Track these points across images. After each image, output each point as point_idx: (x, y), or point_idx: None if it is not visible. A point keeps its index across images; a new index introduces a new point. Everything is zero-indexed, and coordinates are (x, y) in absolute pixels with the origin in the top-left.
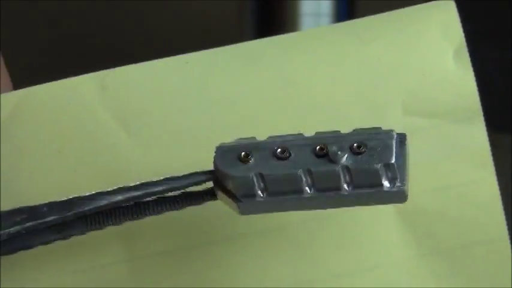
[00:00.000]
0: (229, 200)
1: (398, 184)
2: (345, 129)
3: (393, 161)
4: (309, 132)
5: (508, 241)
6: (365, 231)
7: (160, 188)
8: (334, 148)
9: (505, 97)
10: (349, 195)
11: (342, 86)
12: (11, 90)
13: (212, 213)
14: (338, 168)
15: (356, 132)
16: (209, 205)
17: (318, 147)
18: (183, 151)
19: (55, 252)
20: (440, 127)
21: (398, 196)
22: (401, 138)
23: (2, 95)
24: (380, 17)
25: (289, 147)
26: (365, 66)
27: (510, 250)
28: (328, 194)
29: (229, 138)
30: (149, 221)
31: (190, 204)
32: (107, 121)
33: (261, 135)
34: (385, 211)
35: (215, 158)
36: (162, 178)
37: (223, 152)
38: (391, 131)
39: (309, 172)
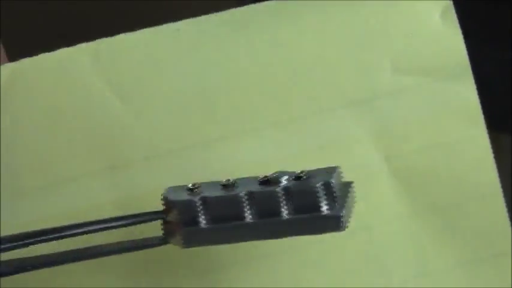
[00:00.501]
0: (175, 236)
1: (336, 209)
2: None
3: (332, 180)
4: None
5: (502, 196)
6: (359, 192)
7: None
8: (276, 175)
9: (505, 97)
10: (288, 220)
11: (330, 47)
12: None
13: None
14: (279, 188)
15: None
16: None
17: (262, 176)
18: (177, 117)
19: None
20: (430, 85)
21: (336, 222)
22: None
23: None
24: None
25: (236, 179)
26: (353, 27)
27: (504, 205)
28: (268, 220)
29: (221, 102)
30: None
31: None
32: (101, 89)
33: (252, 99)
34: (378, 171)
35: (165, 192)
36: (113, 217)
37: (173, 187)
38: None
39: (251, 195)
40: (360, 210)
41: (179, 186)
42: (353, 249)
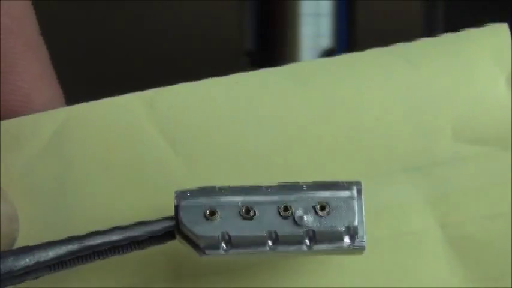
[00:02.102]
0: (190, 247)
1: (358, 240)
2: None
3: (356, 223)
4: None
5: None
6: (412, 258)
7: (121, 236)
8: (299, 212)
9: None
10: (309, 250)
11: (390, 110)
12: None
13: None
14: (303, 231)
15: (317, 185)
16: None
17: (282, 207)
18: (230, 172)
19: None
20: (491, 154)
21: (358, 250)
22: (359, 188)
23: (49, 111)
24: (431, 41)
25: (253, 206)
26: (414, 90)
27: None
28: (289, 249)
29: (276, 160)
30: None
31: (149, 246)
32: (155, 139)
33: (308, 158)
34: (432, 239)
35: (180, 214)
36: (121, 225)
37: (187, 208)
38: (351, 187)
39: (274, 233)
40: (413, 277)
41: (192, 203)
42: None
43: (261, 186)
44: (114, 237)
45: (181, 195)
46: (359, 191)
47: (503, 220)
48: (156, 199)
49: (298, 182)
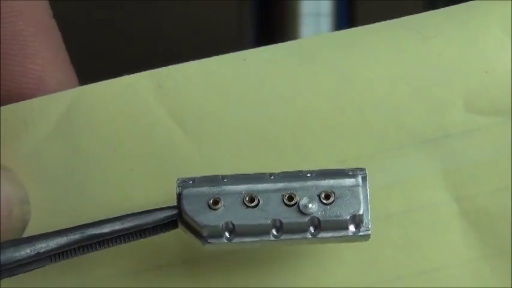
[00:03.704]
0: (193, 235)
1: (363, 228)
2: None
3: (361, 212)
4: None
5: None
6: (427, 232)
7: (123, 226)
8: (304, 200)
9: None
10: (315, 237)
11: (401, 83)
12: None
13: None
14: (308, 219)
15: (321, 172)
16: None
17: (287, 196)
18: (239, 150)
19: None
20: (503, 125)
21: (363, 238)
22: (363, 175)
23: (57, 94)
24: (440, 12)
25: (257, 194)
26: (425, 62)
27: None
28: (294, 238)
29: (285, 137)
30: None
31: (151, 235)
32: (163, 119)
33: (317, 134)
34: (447, 212)
35: (183, 203)
36: (123, 214)
37: (190, 197)
38: (356, 174)
39: (279, 222)
40: (427, 252)
41: (194, 188)
42: None
43: (264, 174)
44: (116, 226)
45: (183, 183)
46: (364, 179)
47: None
48: (166, 180)
49: (302, 170)
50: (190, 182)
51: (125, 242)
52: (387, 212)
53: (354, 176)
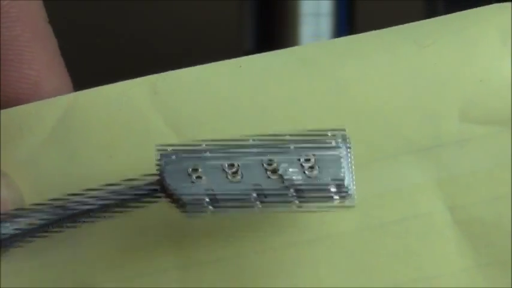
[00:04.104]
0: (175, 206)
1: (346, 193)
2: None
3: (343, 177)
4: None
5: None
6: (420, 241)
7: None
8: (286, 168)
9: None
10: (299, 206)
11: (396, 91)
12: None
13: (262, 222)
14: (290, 187)
15: (303, 139)
16: (258, 216)
17: (268, 164)
18: None
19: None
20: (498, 135)
21: (349, 207)
22: (344, 137)
23: (52, 99)
24: (436, 21)
25: (239, 165)
26: (421, 71)
27: None
28: (277, 206)
29: None
30: (201, 228)
31: (133, 207)
32: (159, 125)
33: None
34: (441, 221)
35: (164, 175)
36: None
37: (172, 171)
38: (337, 139)
39: (261, 191)
40: (421, 261)
41: (175, 160)
42: None
43: (246, 141)
44: (99, 199)
45: (164, 155)
46: (344, 137)
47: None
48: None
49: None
50: (172, 155)
51: (107, 212)
52: (381, 221)
53: (335, 143)
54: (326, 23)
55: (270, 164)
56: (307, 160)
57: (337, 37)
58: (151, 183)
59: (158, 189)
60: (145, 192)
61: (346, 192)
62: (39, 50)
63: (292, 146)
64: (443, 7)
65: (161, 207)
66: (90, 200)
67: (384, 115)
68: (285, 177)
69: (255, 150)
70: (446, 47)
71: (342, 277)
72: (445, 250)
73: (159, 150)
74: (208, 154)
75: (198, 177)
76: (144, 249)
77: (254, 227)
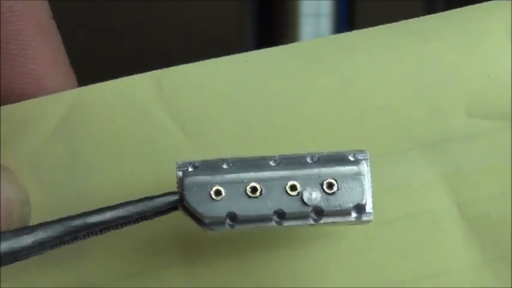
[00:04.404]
0: (194, 221)
1: (365, 214)
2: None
3: (364, 202)
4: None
5: None
6: (427, 237)
7: (124, 214)
8: (307, 193)
9: None
10: (316, 224)
11: (402, 86)
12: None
13: None
14: (310, 209)
15: (324, 158)
16: None
17: (289, 185)
18: (241, 151)
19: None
20: (505, 129)
21: (365, 223)
22: (365, 158)
23: (56, 94)
24: (441, 16)
25: (259, 183)
26: (426, 66)
27: None
28: (296, 224)
29: (286, 139)
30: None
31: (151, 218)
32: (164, 121)
33: (318, 137)
34: (448, 217)
35: (185, 194)
36: (124, 202)
37: (192, 187)
38: (358, 160)
39: (282, 211)
40: (428, 257)
41: (195, 176)
42: None
43: (265, 158)
44: (118, 214)
45: (184, 169)
46: (366, 163)
47: None
48: (167, 183)
49: (303, 155)
50: (191, 168)
51: (125, 226)
52: (388, 217)
53: (356, 162)
54: (326, 23)
55: (292, 188)
56: (330, 185)
57: None
58: (171, 202)
59: (178, 206)
60: (165, 209)
61: (366, 213)
62: (43, 45)
63: (315, 170)
64: (443, 7)
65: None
66: (108, 216)
67: (389, 110)
68: (306, 199)
69: (277, 171)
70: (452, 42)
71: (349, 273)
72: (452, 246)
73: (179, 167)
74: (229, 175)
75: (218, 195)
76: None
77: None
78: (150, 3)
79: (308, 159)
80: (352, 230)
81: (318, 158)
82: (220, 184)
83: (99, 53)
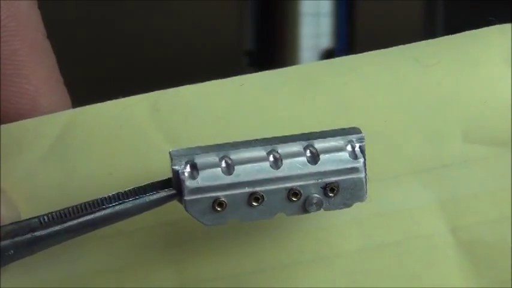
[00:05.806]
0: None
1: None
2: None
3: (364, 200)
4: None
5: None
6: (422, 262)
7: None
8: (309, 199)
9: None
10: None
11: (399, 111)
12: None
13: (262, 241)
14: (310, 210)
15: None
16: (257, 234)
17: (290, 191)
18: None
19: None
20: (502, 156)
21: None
22: (362, 147)
23: (52, 115)
24: (439, 41)
25: (262, 191)
26: (424, 91)
27: None
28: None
29: None
30: (199, 247)
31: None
32: (159, 143)
33: None
34: (443, 242)
35: (187, 207)
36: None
37: (193, 201)
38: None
39: (283, 215)
40: (423, 282)
41: (194, 183)
42: None
43: (256, 143)
44: (115, 208)
45: (182, 173)
46: (361, 147)
47: None
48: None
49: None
50: (188, 168)
51: (121, 220)
52: (383, 241)
53: (355, 162)
54: (326, 23)
55: (294, 195)
56: (332, 189)
57: (337, 37)
58: (168, 197)
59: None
60: (163, 202)
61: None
62: (37, 65)
63: (316, 175)
64: (442, 7)
65: (160, 225)
66: (106, 212)
67: (386, 135)
68: (307, 205)
69: (278, 177)
70: (450, 67)
71: None
72: (446, 271)
73: (175, 164)
74: (231, 185)
75: (221, 206)
76: (143, 267)
77: (254, 246)
78: (150, 4)
79: (301, 146)
80: (346, 254)
81: (315, 150)
82: (223, 195)
83: (93, 73)
